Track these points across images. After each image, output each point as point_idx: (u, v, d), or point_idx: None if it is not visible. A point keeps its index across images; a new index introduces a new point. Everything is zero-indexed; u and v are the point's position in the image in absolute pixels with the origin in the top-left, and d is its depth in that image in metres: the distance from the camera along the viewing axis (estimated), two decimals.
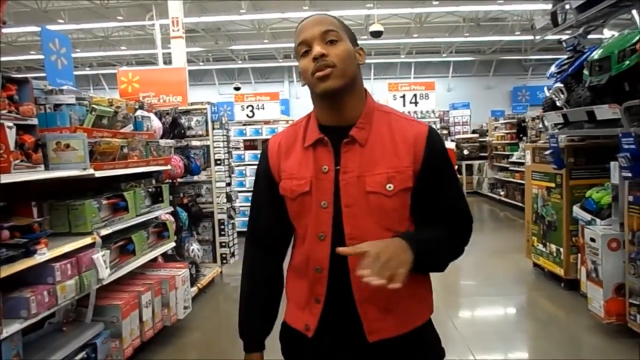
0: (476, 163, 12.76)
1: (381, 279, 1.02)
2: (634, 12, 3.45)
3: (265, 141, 8.39)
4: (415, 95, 8.74)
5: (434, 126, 1.16)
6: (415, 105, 8.74)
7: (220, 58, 19.68)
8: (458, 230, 1.27)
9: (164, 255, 4.35)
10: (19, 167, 2.38)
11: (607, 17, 4.25)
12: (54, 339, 2.78)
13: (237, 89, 18.96)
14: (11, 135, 2.33)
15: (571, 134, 4.36)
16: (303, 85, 1.25)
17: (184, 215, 4.94)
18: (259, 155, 5.69)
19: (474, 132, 13.63)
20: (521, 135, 10.33)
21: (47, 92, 2.98)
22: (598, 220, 3.72)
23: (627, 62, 3.02)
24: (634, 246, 3.23)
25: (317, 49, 1.16)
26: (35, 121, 2.58)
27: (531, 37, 14.98)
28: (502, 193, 10.98)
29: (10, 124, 2.34)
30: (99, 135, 3.15)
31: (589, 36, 4.42)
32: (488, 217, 9.84)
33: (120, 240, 3.34)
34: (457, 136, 13.53)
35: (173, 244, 4.22)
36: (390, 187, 1.18)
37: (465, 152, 12.67)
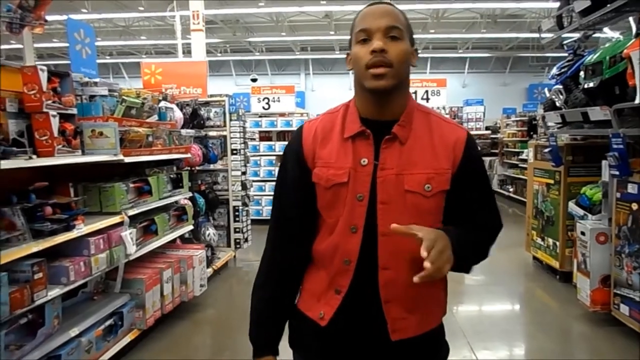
0: (487, 159, 12.89)
1: (434, 267, 1.04)
2: (631, 19, 3.63)
3: (281, 133, 8.71)
4: (427, 92, 8.95)
5: None
6: (427, 102, 8.95)
7: (238, 49, 19.97)
8: (488, 237, 1.30)
9: (182, 237, 4.66)
10: (61, 152, 2.69)
11: (609, 21, 4.42)
12: (86, 307, 3.11)
13: (254, 80, 19.25)
14: (55, 123, 2.64)
15: (568, 133, 4.57)
16: (349, 70, 1.23)
17: (201, 201, 5.25)
18: (273, 146, 6.04)
19: (487, 128, 13.75)
20: (531, 133, 10.46)
21: (83, 84, 3.29)
22: (590, 216, 3.95)
23: (617, 68, 3.24)
24: (619, 240, 3.46)
25: (379, 43, 1.13)
26: (74, 111, 2.89)
27: (544, 35, 15.02)
28: (511, 189, 11.15)
29: (55, 113, 2.65)
30: (127, 124, 3.45)
31: (596, 34, 4.59)
32: None
33: (145, 221, 3.65)
34: (470, 133, 13.61)
35: (191, 227, 4.53)
36: (428, 187, 1.18)
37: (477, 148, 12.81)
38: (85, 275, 2.78)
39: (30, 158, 2.42)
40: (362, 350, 1.22)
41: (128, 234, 3.20)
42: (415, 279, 1.05)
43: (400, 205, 1.17)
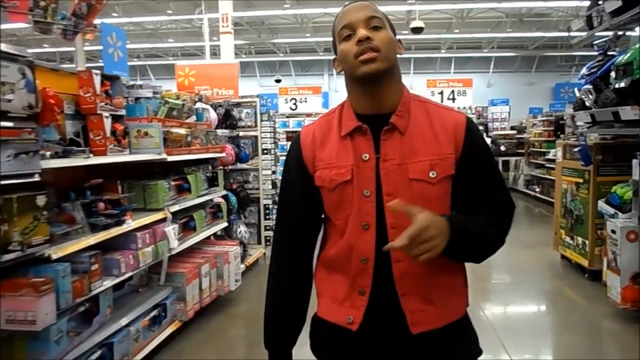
0: (513, 159, 12.83)
1: (413, 254, 1.04)
2: None
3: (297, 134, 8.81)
4: (453, 92, 8.99)
5: None
6: (453, 102, 9.00)
7: (263, 51, 20.22)
8: (498, 220, 1.25)
9: (215, 235, 4.83)
10: (112, 151, 2.87)
11: (637, 22, 4.43)
12: (132, 298, 3.29)
13: (278, 81, 19.49)
14: (108, 123, 2.82)
15: (597, 132, 4.59)
16: (339, 72, 1.24)
17: (233, 199, 5.41)
18: None
19: (512, 128, 13.67)
20: (558, 133, 10.38)
21: (129, 87, 3.47)
22: (620, 214, 3.97)
23: None
24: None
25: (363, 31, 1.15)
26: (123, 112, 3.07)
27: (575, 34, 14.82)
28: (537, 190, 11.07)
29: (107, 114, 2.83)
30: (169, 124, 3.63)
31: (628, 33, 4.60)
32: (523, 213, 9.97)
33: (184, 217, 3.82)
34: (495, 132, 13.62)
35: (226, 224, 4.69)
36: (433, 174, 1.17)
37: (502, 148, 12.76)
38: (134, 268, 2.94)
39: (88, 157, 2.59)
40: (388, 348, 1.21)
41: (171, 229, 3.36)
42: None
43: (406, 195, 1.16)
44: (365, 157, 1.19)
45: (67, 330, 2.36)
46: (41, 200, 2.10)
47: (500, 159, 12.53)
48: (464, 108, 9.70)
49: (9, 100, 1.98)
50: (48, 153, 2.36)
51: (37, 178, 2.11)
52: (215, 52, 13.23)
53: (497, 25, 16.84)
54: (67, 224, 2.46)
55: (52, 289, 2.09)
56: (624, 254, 3.72)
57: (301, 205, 1.29)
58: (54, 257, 2.20)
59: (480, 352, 1.31)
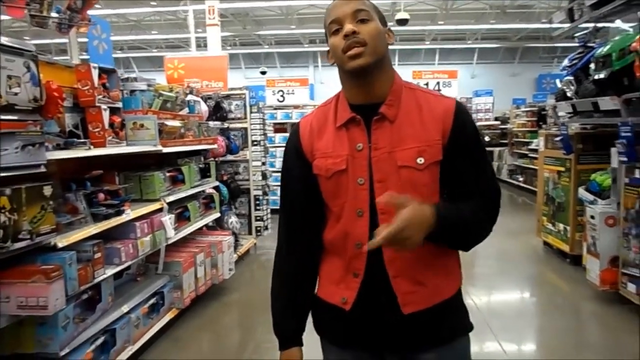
0: (497, 150, 13.05)
1: (392, 245, 1.10)
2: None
3: (294, 124, 8.90)
4: (438, 83, 9.12)
5: None
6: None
7: (247, 42, 20.15)
8: (485, 207, 1.27)
9: (207, 225, 4.91)
10: (110, 143, 2.93)
11: (620, 14, 4.59)
12: (131, 287, 3.37)
13: (263, 73, 19.47)
14: (106, 116, 2.88)
15: (578, 122, 4.76)
16: (332, 64, 1.27)
17: (224, 190, 5.48)
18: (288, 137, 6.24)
19: (496, 119, 13.88)
20: (541, 123, 10.60)
21: (123, 80, 3.52)
22: (599, 200, 4.14)
23: (625, 60, 3.42)
24: (627, 222, 3.66)
25: (349, 26, 1.17)
26: (120, 104, 3.12)
27: (557, 25, 15.06)
28: (520, 179, 11.30)
29: (105, 107, 2.89)
30: (164, 117, 3.69)
31: (608, 25, 4.76)
32: (507, 202, 10.19)
33: (179, 208, 3.89)
34: (479, 123, 13.80)
35: (218, 214, 4.77)
36: (421, 160, 1.20)
37: (487, 138, 12.97)
38: (134, 257, 3.02)
39: (89, 149, 2.65)
40: (381, 328, 1.26)
41: (168, 219, 3.44)
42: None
43: (395, 182, 1.20)
44: (359, 146, 1.23)
45: (72, 316, 2.43)
46: (48, 190, 2.17)
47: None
48: None
49: (16, 94, 2.04)
50: (50, 145, 2.42)
51: (42, 169, 2.18)
52: (199, 44, 13.19)
53: (480, 17, 17.01)
54: (71, 214, 2.54)
55: (61, 275, 2.16)
56: (602, 239, 3.89)
57: (303, 192, 1.33)
58: (60, 245, 2.27)
59: (471, 327, 1.35)
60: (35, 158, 2.12)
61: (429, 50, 20.38)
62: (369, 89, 1.23)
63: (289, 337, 1.37)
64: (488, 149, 12.87)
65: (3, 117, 1.96)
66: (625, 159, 3.54)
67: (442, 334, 1.28)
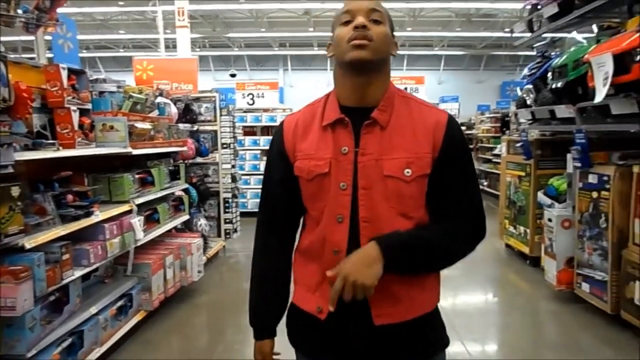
0: None
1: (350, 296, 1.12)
2: (594, 26, 4.03)
3: (265, 128, 8.95)
4: (406, 89, 9.27)
5: None
6: None
7: (217, 45, 20.03)
8: (464, 228, 1.26)
9: (176, 228, 4.90)
10: (80, 144, 2.92)
11: (575, 26, 4.83)
12: (99, 289, 3.35)
13: (233, 75, 19.35)
14: (75, 117, 2.87)
15: (537, 129, 4.98)
16: (330, 56, 1.25)
17: (194, 192, 5.47)
18: (257, 141, 6.44)
19: (461, 125, 14.24)
20: (504, 129, 10.93)
21: (92, 81, 3.50)
22: (556, 204, 4.34)
23: (579, 71, 3.62)
24: (582, 225, 3.86)
25: (361, 19, 1.16)
26: (89, 106, 3.12)
27: (520, 35, 15.59)
28: (485, 184, 11.63)
29: (75, 108, 2.88)
30: (133, 119, 3.68)
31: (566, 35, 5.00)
32: None
33: (148, 210, 3.89)
34: None
35: (187, 217, 4.77)
36: (408, 172, 1.17)
37: None
38: (102, 258, 3.02)
39: (58, 149, 2.64)
40: (355, 339, 1.23)
41: (137, 221, 3.44)
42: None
43: (380, 191, 1.18)
44: (345, 150, 1.20)
45: (39, 318, 2.42)
46: (15, 191, 2.16)
47: None
48: None
49: None
50: (18, 146, 2.41)
51: (10, 170, 2.17)
52: (168, 45, 13.06)
53: (447, 25, 17.42)
54: (39, 215, 2.52)
55: (30, 276, 2.16)
56: (559, 241, 4.09)
57: (283, 193, 1.31)
58: (28, 246, 2.26)
59: (447, 342, 1.35)
60: (3, 158, 2.12)
61: (398, 56, 20.17)
62: (363, 90, 1.21)
63: (266, 328, 1.37)
64: None
65: None
66: (579, 164, 3.73)
67: (418, 349, 1.27)
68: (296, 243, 1.39)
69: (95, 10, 15.11)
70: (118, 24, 17.49)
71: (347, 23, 1.19)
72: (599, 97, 3.13)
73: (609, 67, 2.94)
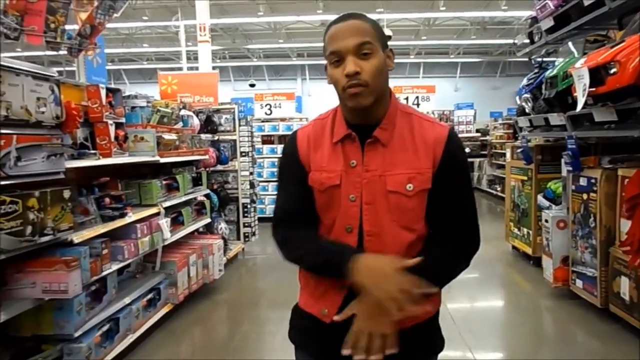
0: (477, 161, 13.58)
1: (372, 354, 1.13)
2: (570, 43, 4.32)
3: (282, 137, 9.33)
4: (417, 98, 9.63)
5: None
6: (417, 107, 9.62)
7: (237, 56, 20.62)
8: (460, 247, 1.29)
9: (197, 231, 5.29)
10: (115, 154, 3.33)
11: (571, 37, 5.11)
12: (131, 283, 3.74)
13: (252, 85, 19.89)
14: (112, 130, 3.28)
15: (538, 135, 5.25)
16: (330, 83, 1.26)
17: (215, 198, 5.87)
18: (275, 149, 6.91)
19: (477, 131, 14.44)
20: (516, 135, 11.11)
21: (125, 97, 3.92)
22: (554, 206, 4.61)
23: (568, 81, 3.91)
24: (575, 225, 4.12)
25: (351, 66, 1.16)
26: (123, 120, 3.53)
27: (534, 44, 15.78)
28: (499, 189, 11.80)
29: (112, 122, 3.29)
30: (161, 130, 4.09)
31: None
32: (485, 211, 10.66)
33: (173, 212, 4.28)
34: (461, 135, 14.33)
35: (209, 220, 5.17)
36: (410, 187, 1.20)
37: (467, 150, 13.52)
38: (135, 255, 3.41)
39: (99, 158, 3.05)
40: None
41: (164, 222, 3.83)
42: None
43: (383, 205, 1.22)
44: (353, 163, 1.25)
45: (84, 303, 2.81)
46: (67, 194, 2.56)
47: None
48: (427, 112, 10.37)
49: (42, 113, 2.44)
50: (66, 155, 2.81)
51: (62, 176, 2.57)
52: (190, 57, 13.59)
53: (462, 33, 17.68)
54: (83, 215, 2.92)
55: (79, 265, 2.55)
56: (555, 240, 4.35)
57: (302, 196, 1.32)
58: (76, 241, 2.66)
59: (442, 346, 1.39)
60: (56, 166, 2.52)
61: (414, 64, 21.00)
62: (364, 115, 1.25)
63: (344, 249, 1.24)
64: (469, 160, 13.42)
65: (33, 132, 2.36)
66: (570, 168, 4.01)
67: (416, 356, 1.30)
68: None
69: (121, 25, 15.79)
70: (142, 37, 18.19)
71: (337, 63, 1.20)
72: (579, 107, 3.43)
73: (586, 80, 3.24)
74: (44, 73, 2.45)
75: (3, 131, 2.18)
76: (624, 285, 3.51)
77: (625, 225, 3.43)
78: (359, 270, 1.16)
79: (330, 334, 1.25)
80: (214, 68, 9.40)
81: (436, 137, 1.24)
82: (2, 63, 2.19)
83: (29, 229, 2.30)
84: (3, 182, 2.19)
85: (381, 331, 1.13)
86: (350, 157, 1.25)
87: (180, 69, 13.05)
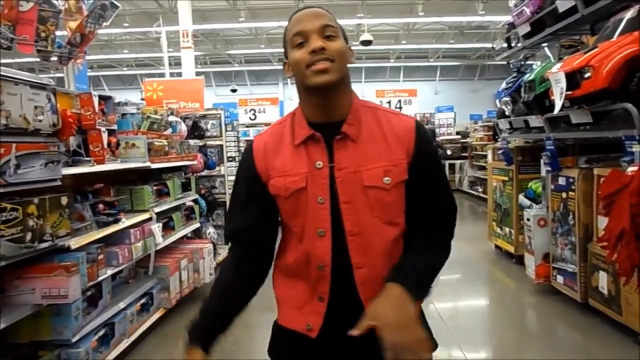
0: (458, 162, 13.82)
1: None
2: (546, 49, 4.50)
3: (247, 144, 9.36)
4: (399, 101, 9.80)
5: None
6: (400, 110, 9.80)
7: (218, 61, 20.61)
8: (447, 232, 1.29)
9: (187, 236, 5.33)
10: (108, 160, 3.37)
11: (547, 42, 5.30)
12: (124, 288, 3.77)
13: (234, 90, 19.93)
14: (105, 137, 3.33)
15: (518, 137, 5.43)
16: (290, 77, 1.23)
17: (203, 203, 5.91)
18: None
19: (457, 133, 14.69)
20: (496, 137, 11.36)
21: (116, 104, 3.96)
22: (534, 205, 4.77)
23: (545, 85, 4.08)
24: (554, 223, 4.28)
25: (318, 42, 1.14)
26: (115, 127, 3.57)
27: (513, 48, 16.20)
28: (480, 190, 12.04)
29: (104, 129, 3.33)
30: (151, 136, 4.14)
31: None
32: (467, 212, 10.87)
33: (164, 218, 4.32)
34: (442, 137, 14.61)
35: (199, 224, 5.21)
36: (387, 180, 1.18)
37: (448, 152, 13.76)
38: (129, 260, 3.45)
39: (93, 165, 3.09)
40: (350, 354, 1.20)
41: (156, 227, 3.88)
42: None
43: (363, 202, 1.19)
44: (319, 164, 1.20)
45: (81, 309, 2.85)
46: (64, 200, 2.60)
47: (447, 162, 13.48)
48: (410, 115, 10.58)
49: (40, 121, 2.49)
50: (62, 162, 2.86)
51: (58, 182, 2.62)
52: (170, 63, 13.56)
53: (440, 37, 17.99)
54: (79, 221, 2.96)
55: (78, 270, 2.59)
56: (536, 238, 4.51)
57: (249, 215, 1.29)
58: (73, 247, 2.70)
59: (434, 347, 1.30)
60: (54, 173, 2.56)
61: (394, 68, 21.26)
62: (329, 108, 1.21)
63: (201, 338, 1.34)
64: (450, 161, 13.69)
65: (32, 140, 2.40)
66: (549, 168, 4.17)
67: None
68: (274, 263, 1.36)
69: (102, 32, 15.64)
70: (122, 43, 18.07)
71: (301, 45, 1.17)
72: (556, 109, 3.59)
73: (563, 84, 3.40)
74: (41, 82, 2.49)
75: (3, 139, 2.23)
76: (602, 280, 3.67)
77: (602, 222, 3.59)
78: None
79: (319, 347, 1.24)
80: (196, 74, 9.46)
81: (405, 128, 1.24)
82: (2, 73, 2.23)
83: (29, 236, 2.34)
84: (3, 190, 2.23)
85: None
86: (315, 158, 1.21)
87: (162, 74, 13.03)
